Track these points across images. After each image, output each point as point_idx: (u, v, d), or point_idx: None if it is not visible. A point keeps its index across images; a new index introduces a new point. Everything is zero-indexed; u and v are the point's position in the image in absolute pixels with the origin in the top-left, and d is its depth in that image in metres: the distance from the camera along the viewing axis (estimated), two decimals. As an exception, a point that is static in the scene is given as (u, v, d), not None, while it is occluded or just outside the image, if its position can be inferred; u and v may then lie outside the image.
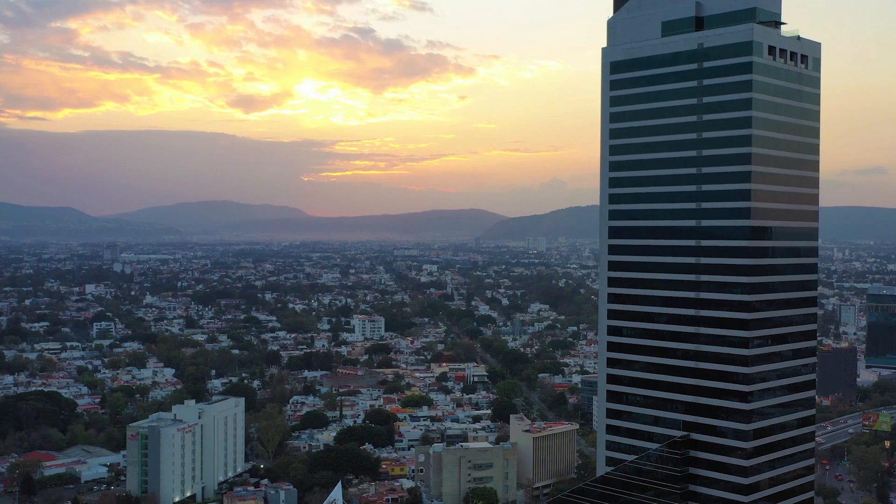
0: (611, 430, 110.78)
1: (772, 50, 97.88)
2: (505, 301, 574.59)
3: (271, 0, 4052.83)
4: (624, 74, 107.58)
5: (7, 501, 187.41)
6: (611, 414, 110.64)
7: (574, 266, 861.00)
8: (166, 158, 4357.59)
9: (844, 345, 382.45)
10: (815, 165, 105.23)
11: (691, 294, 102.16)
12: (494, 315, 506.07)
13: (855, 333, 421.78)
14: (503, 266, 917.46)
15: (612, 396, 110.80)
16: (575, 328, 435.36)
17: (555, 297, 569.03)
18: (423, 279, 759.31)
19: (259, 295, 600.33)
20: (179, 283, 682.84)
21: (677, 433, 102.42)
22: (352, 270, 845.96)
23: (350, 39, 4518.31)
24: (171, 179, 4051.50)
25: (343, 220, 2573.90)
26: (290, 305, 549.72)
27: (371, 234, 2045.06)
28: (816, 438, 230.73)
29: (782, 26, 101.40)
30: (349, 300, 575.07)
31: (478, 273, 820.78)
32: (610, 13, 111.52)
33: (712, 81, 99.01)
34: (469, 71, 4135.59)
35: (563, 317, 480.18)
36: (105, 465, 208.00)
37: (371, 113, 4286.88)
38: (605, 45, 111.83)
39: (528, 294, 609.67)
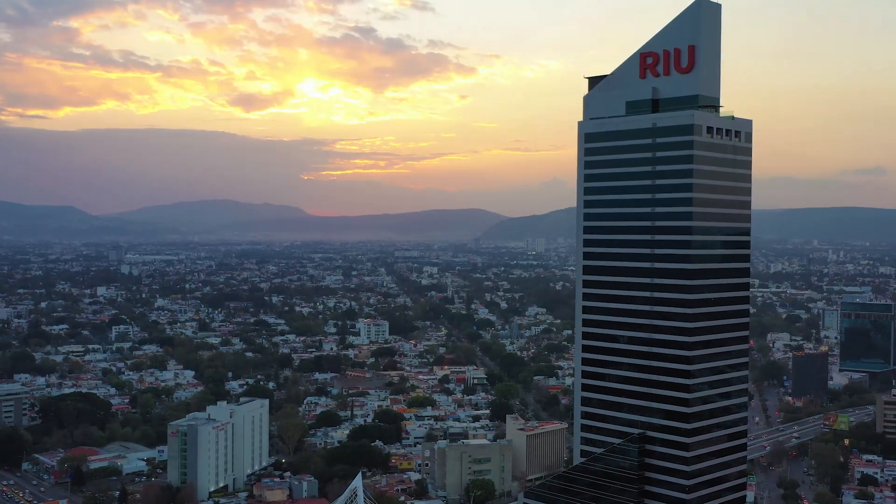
0: (585, 428, 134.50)
1: (710, 129, 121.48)
2: (503, 304, 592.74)
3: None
4: (595, 144, 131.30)
5: (60, 491, 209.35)
6: (585, 415, 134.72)
7: (572, 268, 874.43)
8: (167, 157, 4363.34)
9: (823, 349, 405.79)
10: (746, 217, 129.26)
11: (646, 321, 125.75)
12: (493, 319, 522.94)
13: (836, 338, 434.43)
14: (502, 268, 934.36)
15: (586, 401, 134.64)
16: (570, 331, 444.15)
17: (552, 300, 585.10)
18: (423, 281, 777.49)
19: (266, 298, 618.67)
20: (187, 286, 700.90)
21: (637, 431, 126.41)
22: (354, 272, 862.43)
23: (351, 39, 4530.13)
24: (172, 178, 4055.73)
25: (343, 220, 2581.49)
26: (297, 308, 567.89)
27: (371, 233, 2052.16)
28: (792, 435, 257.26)
29: (721, 108, 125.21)
30: (353, 303, 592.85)
31: (477, 275, 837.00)
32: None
33: (663, 154, 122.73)
34: (470, 70, 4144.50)
35: (558, 320, 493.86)
36: (143, 460, 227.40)
37: (372, 112, 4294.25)
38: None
39: (527, 297, 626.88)
